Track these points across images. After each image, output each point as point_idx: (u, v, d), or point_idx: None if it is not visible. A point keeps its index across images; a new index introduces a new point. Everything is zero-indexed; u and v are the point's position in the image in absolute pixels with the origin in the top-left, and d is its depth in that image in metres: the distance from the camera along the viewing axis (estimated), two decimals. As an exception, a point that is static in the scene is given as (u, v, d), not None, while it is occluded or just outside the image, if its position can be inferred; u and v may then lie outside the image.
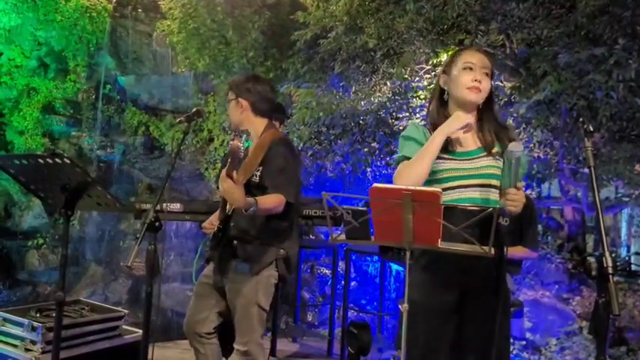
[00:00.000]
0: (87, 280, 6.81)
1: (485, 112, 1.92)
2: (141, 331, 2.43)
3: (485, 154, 1.85)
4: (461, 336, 1.81)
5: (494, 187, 1.84)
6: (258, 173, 2.31)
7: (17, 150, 6.88)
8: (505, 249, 1.83)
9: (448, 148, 1.86)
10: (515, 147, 1.71)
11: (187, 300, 2.52)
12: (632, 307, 4.55)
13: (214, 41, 5.80)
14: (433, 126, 1.89)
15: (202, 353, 2.43)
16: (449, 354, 1.80)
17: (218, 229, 2.36)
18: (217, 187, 2.29)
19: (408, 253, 1.70)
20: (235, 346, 2.33)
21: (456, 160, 1.85)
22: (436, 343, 1.80)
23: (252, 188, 2.27)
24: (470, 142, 1.90)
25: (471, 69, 1.86)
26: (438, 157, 1.80)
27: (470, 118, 1.82)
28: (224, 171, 2.07)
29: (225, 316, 2.44)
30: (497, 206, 1.68)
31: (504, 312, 1.83)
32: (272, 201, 2.21)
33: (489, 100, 1.92)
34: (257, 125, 2.41)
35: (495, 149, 1.87)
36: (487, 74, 1.88)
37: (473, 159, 1.85)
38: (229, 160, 2.09)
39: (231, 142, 2.17)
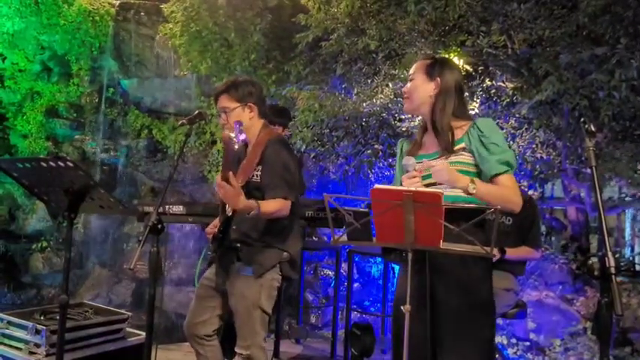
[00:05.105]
0: (90, 282, 6.83)
1: (434, 113, 1.94)
2: (144, 333, 2.43)
3: (439, 156, 1.91)
4: (433, 331, 1.86)
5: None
6: (258, 173, 2.30)
7: (21, 153, 6.91)
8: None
9: (414, 152, 1.99)
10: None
11: (190, 302, 2.53)
12: (637, 308, 4.52)
13: (216, 44, 5.81)
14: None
15: (203, 355, 2.42)
16: (420, 347, 1.85)
17: (219, 231, 2.35)
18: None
19: (410, 255, 1.70)
20: (237, 350, 2.30)
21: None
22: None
23: (253, 189, 2.26)
24: (430, 145, 1.99)
25: None
26: None
27: (410, 166, 1.82)
28: (218, 177, 2.07)
29: (226, 319, 2.43)
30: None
31: (478, 311, 1.86)
32: (274, 205, 2.20)
33: (440, 97, 1.93)
34: (257, 127, 2.40)
35: (462, 145, 1.90)
36: (411, 79, 2.00)
37: (429, 162, 1.91)
38: (224, 154, 2.09)
39: (223, 133, 2.16)
